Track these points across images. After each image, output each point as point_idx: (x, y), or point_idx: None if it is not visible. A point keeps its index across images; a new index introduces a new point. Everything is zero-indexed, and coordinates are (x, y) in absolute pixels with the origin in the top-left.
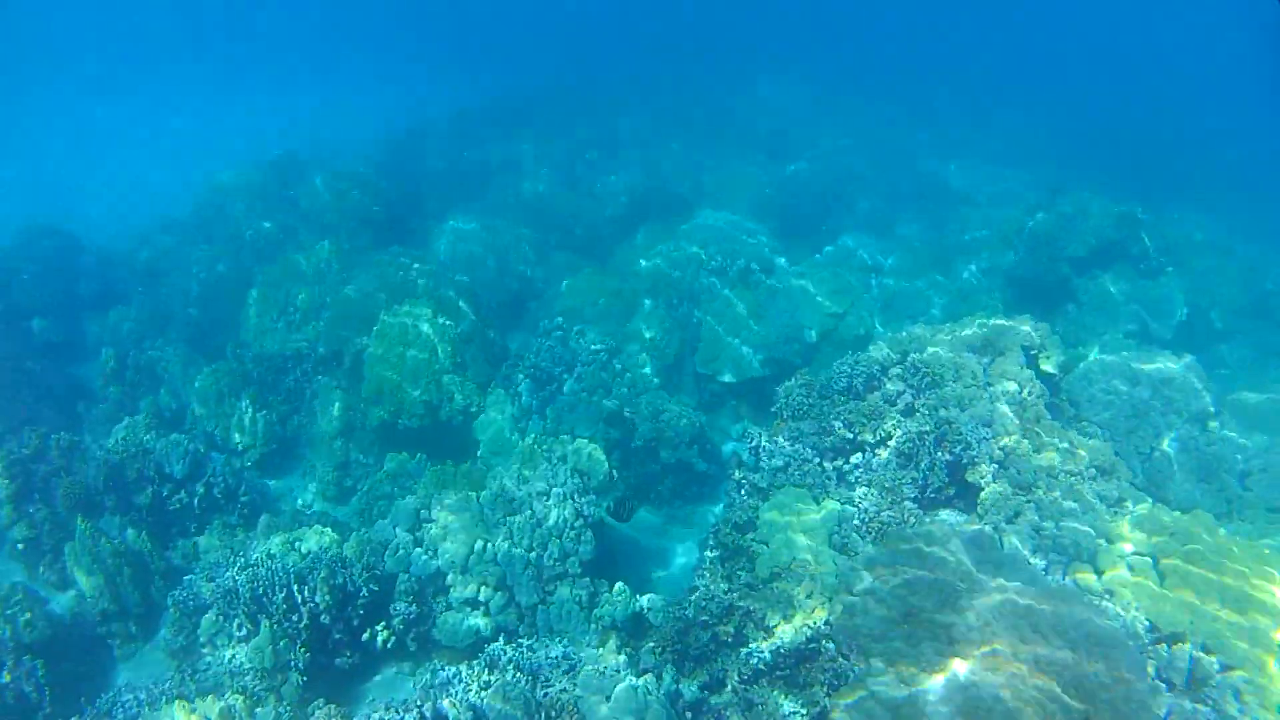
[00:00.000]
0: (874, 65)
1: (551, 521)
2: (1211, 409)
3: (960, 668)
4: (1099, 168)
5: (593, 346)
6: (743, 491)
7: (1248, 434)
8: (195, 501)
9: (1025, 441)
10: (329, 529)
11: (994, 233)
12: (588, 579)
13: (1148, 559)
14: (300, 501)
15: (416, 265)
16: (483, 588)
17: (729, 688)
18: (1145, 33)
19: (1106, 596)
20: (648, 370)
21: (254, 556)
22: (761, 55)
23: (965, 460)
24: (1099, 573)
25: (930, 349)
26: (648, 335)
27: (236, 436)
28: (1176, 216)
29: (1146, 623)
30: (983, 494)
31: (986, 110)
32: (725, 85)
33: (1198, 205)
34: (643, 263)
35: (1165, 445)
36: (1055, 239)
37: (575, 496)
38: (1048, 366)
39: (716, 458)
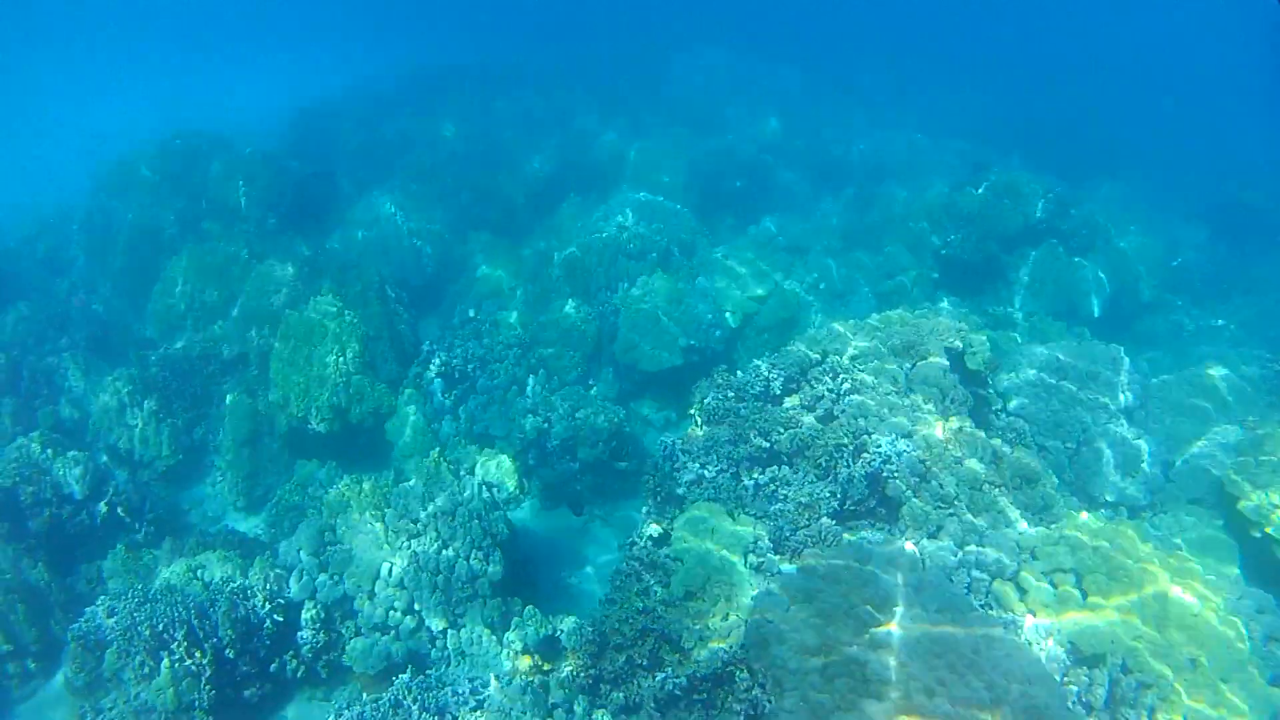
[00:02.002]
0: (801, 35)
1: (458, 542)
2: (1136, 401)
3: (875, 712)
4: (1026, 142)
5: (505, 340)
6: (658, 499)
7: (1172, 422)
8: (98, 522)
9: (948, 452)
10: (233, 553)
11: (922, 210)
12: (499, 600)
13: (1070, 575)
14: (209, 513)
15: (324, 257)
16: (391, 612)
17: (644, 713)
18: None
19: (1029, 616)
20: (565, 362)
21: (153, 589)
22: (687, 27)
23: (885, 473)
24: (1022, 591)
25: (851, 349)
26: (565, 324)
27: (141, 448)
28: (1103, 192)
29: (1068, 644)
30: (903, 509)
31: (915, 81)
32: (650, 57)
33: (1123, 180)
34: (561, 246)
35: (1091, 439)
36: (984, 217)
37: (483, 514)
38: (973, 364)
39: (637, 452)
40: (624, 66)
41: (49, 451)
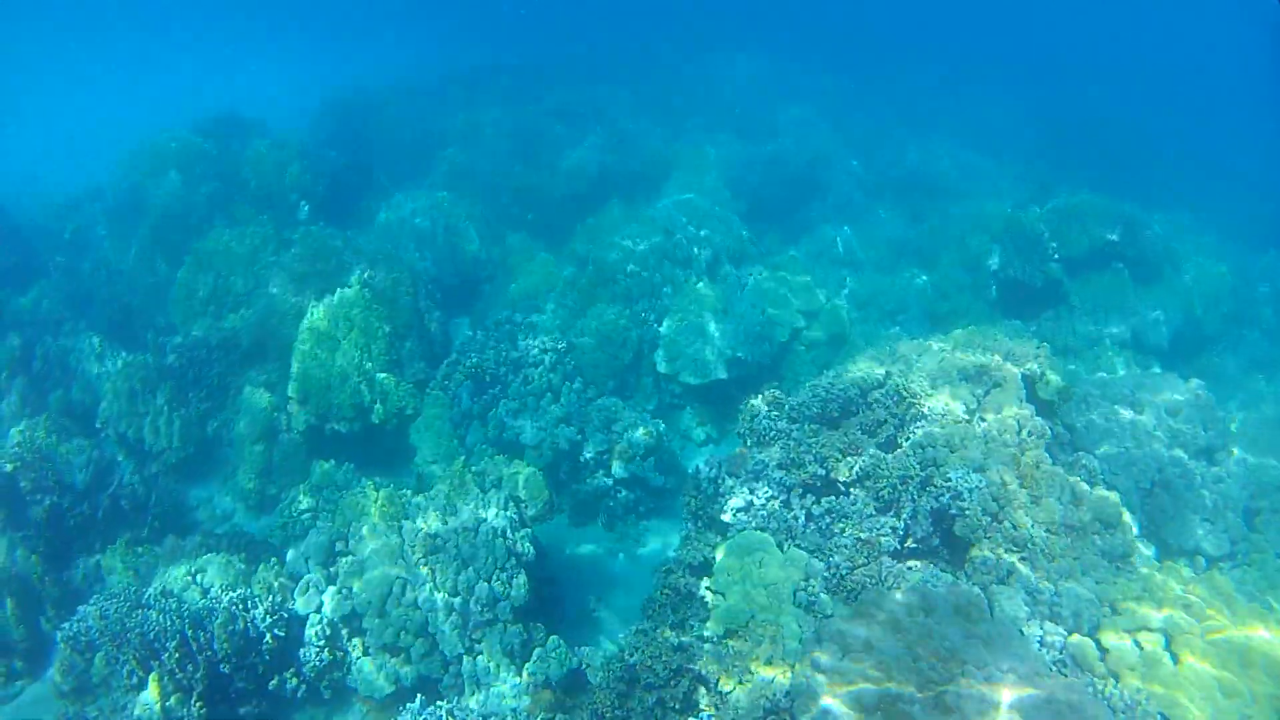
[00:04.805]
0: (852, 38)
1: (480, 562)
2: (1219, 441)
3: None
4: (1085, 158)
5: (542, 345)
6: (699, 525)
7: (1257, 464)
8: (100, 514)
9: (1022, 491)
10: (237, 558)
11: (981, 227)
12: (520, 625)
13: (1158, 635)
14: (219, 510)
15: (354, 247)
16: (402, 634)
17: None
18: (1134, 16)
19: (1111, 680)
20: (602, 371)
21: (148, 593)
22: (736, 25)
23: (953, 510)
24: (1103, 649)
25: (916, 369)
26: (605, 331)
27: (151, 438)
28: (1166, 215)
29: (1159, 716)
30: (972, 550)
31: (966, 91)
32: (697, 56)
33: (1184, 202)
34: (603, 249)
35: (1167, 480)
36: (1048, 238)
37: (508, 532)
38: (1046, 394)
39: (675, 469)
40: (670, 67)
41: (54, 438)
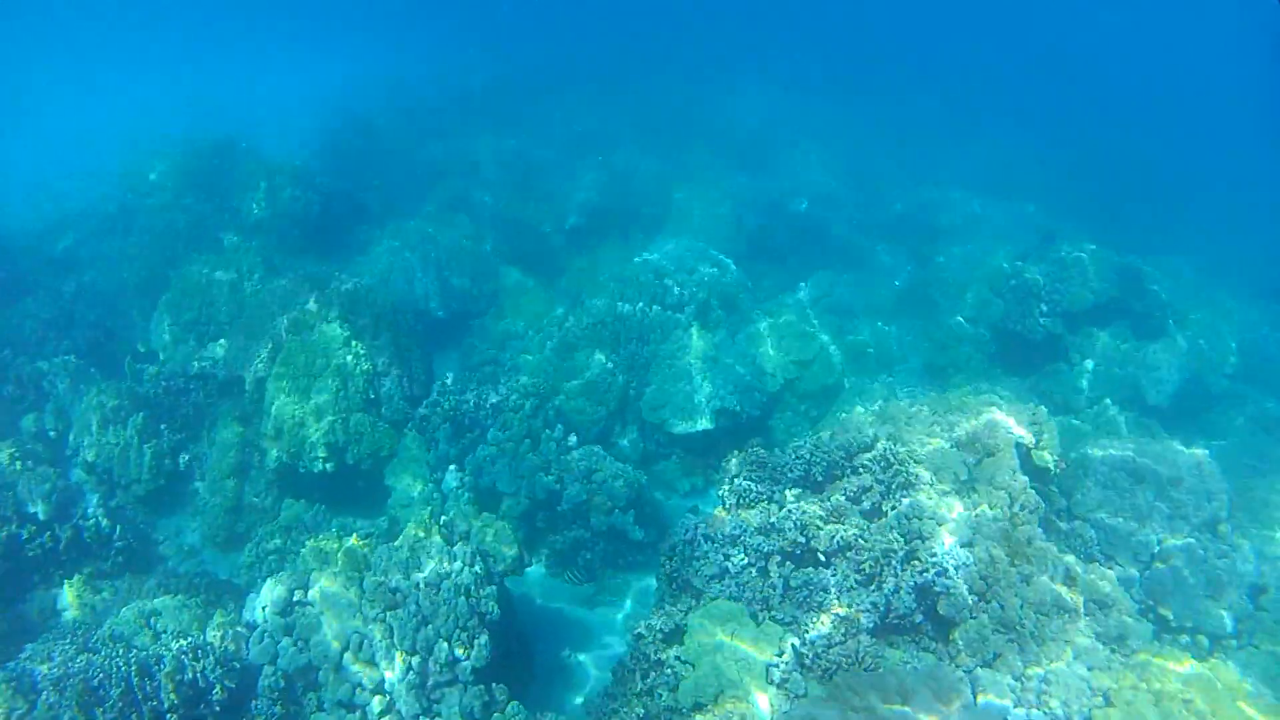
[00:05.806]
0: (861, 78)
1: (441, 620)
2: (1223, 513)
3: None
4: (1094, 205)
5: (524, 389)
6: (674, 588)
7: (1262, 538)
8: (60, 546)
9: (1012, 569)
10: (195, 600)
11: (981, 277)
12: (480, 687)
13: None
14: (186, 546)
15: (339, 280)
16: (359, 690)
17: None
18: (1146, 61)
19: None
20: (586, 417)
21: (97, 635)
22: (743, 60)
23: (939, 587)
24: None
25: (906, 434)
26: (590, 375)
27: (120, 468)
28: (1174, 266)
29: None
30: (956, 630)
31: (975, 132)
32: (703, 90)
33: (1194, 249)
34: (594, 291)
35: (1166, 555)
36: (1049, 291)
37: (473, 589)
38: (1041, 461)
39: (657, 521)
40: (683, 98)
41: (18, 464)
